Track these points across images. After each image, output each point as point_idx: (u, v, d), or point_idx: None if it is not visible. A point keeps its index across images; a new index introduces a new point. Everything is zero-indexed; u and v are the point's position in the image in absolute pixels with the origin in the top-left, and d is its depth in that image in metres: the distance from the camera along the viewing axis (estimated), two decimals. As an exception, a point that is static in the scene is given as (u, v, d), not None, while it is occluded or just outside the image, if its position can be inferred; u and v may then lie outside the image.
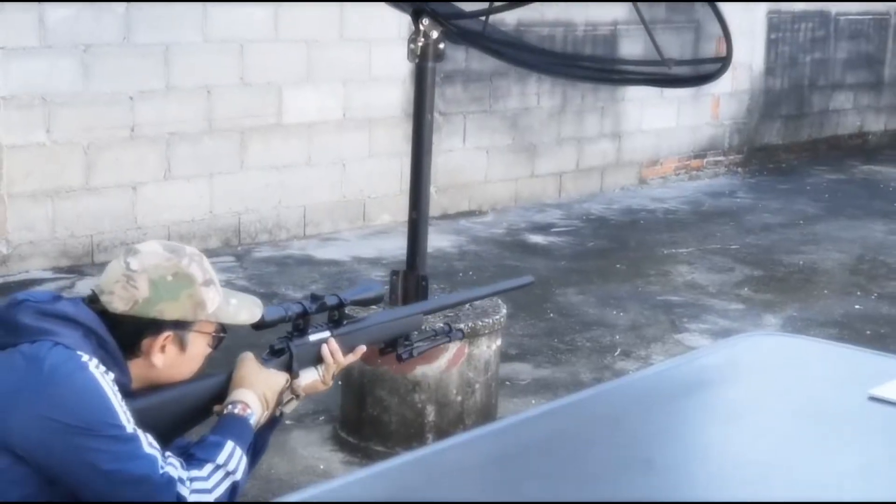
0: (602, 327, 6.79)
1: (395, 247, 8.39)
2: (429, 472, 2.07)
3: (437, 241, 8.65)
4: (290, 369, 2.70)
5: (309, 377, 2.75)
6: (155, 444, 2.39)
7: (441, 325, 3.16)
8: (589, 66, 4.98)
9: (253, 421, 2.58)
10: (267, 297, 7.06)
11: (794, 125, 12.73)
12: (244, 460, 2.50)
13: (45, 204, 7.25)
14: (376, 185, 8.97)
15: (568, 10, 9.81)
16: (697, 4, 11.01)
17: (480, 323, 4.82)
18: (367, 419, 4.90)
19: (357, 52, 8.63)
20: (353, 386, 4.92)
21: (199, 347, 2.58)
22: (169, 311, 2.50)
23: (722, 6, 11.12)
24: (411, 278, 4.94)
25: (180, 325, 2.52)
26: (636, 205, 10.25)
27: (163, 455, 2.39)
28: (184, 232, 7.83)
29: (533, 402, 5.60)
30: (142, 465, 2.34)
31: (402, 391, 4.81)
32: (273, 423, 2.72)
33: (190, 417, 2.63)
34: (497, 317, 4.93)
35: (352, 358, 2.82)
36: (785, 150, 12.65)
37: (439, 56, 4.82)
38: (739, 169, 12.00)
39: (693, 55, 10.96)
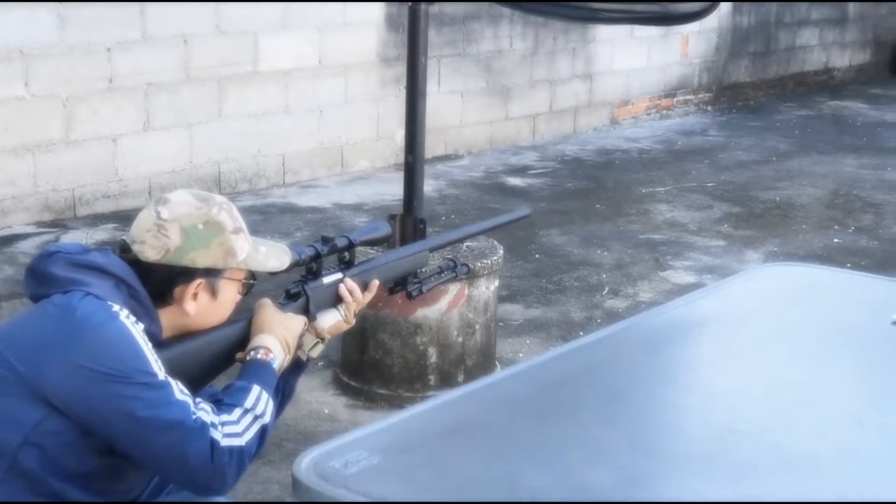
0: (588, 267, 6.85)
1: (375, 192, 8.42)
2: (488, 402, 2.13)
3: (417, 185, 8.68)
4: (308, 312, 2.74)
5: (331, 319, 2.78)
6: (185, 390, 2.43)
7: (447, 261, 3.21)
8: (583, 7, 5.01)
9: (276, 365, 2.62)
10: (253, 246, 7.07)
11: (761, 62, 12.80)
12: (271, 404, 2.54)
13: (27, 158, 7.21)
14: (353, 131, 8.97)
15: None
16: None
17: (479, 264, 4.86)
18: (368, 363, 4.94)
19: (331, -3, 8.62)
20: (355, 330, 4.92)
21: (229, 294, 2.62)
22: (200, 259, 2.54)
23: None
24: (409, 221, 4.97)
25: (212, 273, 2.57)
26: (610, 145, 10.30)
27: (194, 401, 2.42)
28: (165, 183, 7.81)
29: (528, 342, 5.67)
30: (175, 411, 2.37)
31: (405, 334, 4.86)
32: (299, 367, 2.76)
33: (214, 365, 2.67)
34: (495, 258, 4.98)
35: (369, 295, 2.86)
36: (753, 87, 12.73)
37: (432, -3, 4.83)
38: (709, 107, 12.08)
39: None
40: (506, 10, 9.80)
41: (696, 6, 4.91)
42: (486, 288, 4.96)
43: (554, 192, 8.64)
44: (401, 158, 9.25)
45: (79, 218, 7.44)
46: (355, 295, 2.81)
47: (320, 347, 2.80)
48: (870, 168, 9.56)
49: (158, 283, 2.54)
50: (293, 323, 2.68)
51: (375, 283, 2.87)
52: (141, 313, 2.49)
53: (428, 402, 2.14)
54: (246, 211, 7.72)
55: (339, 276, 2.82)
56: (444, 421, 2.06)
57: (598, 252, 7.15)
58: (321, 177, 8.74)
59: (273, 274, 2.70)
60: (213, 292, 2.58)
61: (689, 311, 2.69)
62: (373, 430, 2.03)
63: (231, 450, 2.42)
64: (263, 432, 2.51)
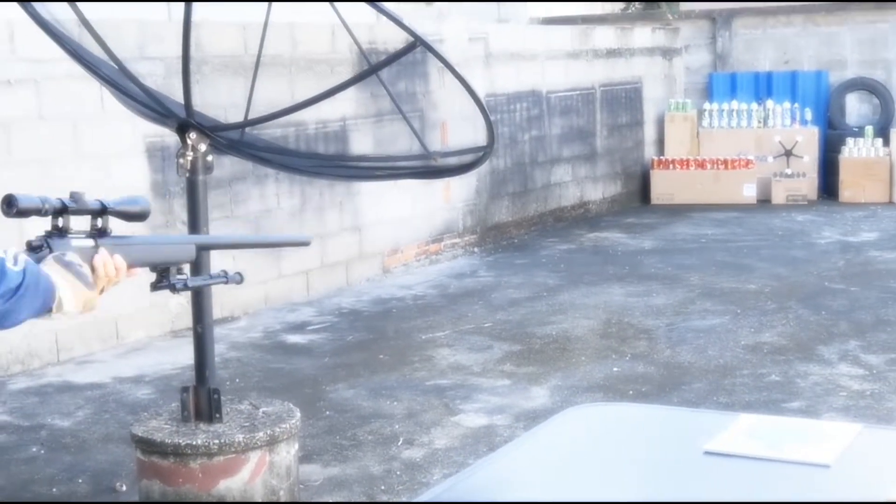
0: (380, 419, 6.85)
1: (154, 362, 8.25)
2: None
3: (197, 351, 8.55)
4: None
5: None
6: None
7: (220, 270, 3.15)
8: (356, 165, 5.10)
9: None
10: (33, 430, 6.82)
11: (520, 201, 13.21)
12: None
13: None
14: (126, 301, 8.77)
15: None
16: (419, 94, 11.36)
17: (278, 429, 4.81)
18: (172, 542, 4.80)
19: (94, 167, 8.49)
20: (154, 509, 4.81)
21: None
22: None
23: (445, 93, 11.45)
24: (202, 392, 4.90)
25: None
26: (385, 294, 10.40)
27: None
28: (-69, 372, 7.50)
29: (328, 499, 5.59)
30: None
31: (207, 508, 4.75)
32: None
33: None
34: (293, 421, 4.94)
35: (118, 275, 2.63)
36: (515, 226, 13.11)
37: (209, 168, 4.84)
38: (476, 248, 12.35)
39: (421, 135, 11.28)
40: (271, 170, 9.86)
41: (463, 160, 5.06)
42: (287, 453, 4.91)
43: (335, 346, 8.63)
44: (176, 325, 9.13)
45: None
46: (108, 268, 2.58)
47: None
48: (636, 295, 9.92)
49: None
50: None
51: (119, 258, 2.61)
52: None
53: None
54: (21, 394, 7.52)
55: (91, 242, 2.61)
56: None
57: (388, 403, 7.16)
58: (96, 350, 8.52)
59: (8, 214, 2.56)
60: None
61: (515, 459, 2.72)
62: None
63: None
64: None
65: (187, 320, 9.22)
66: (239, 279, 3.15)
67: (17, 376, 7.93)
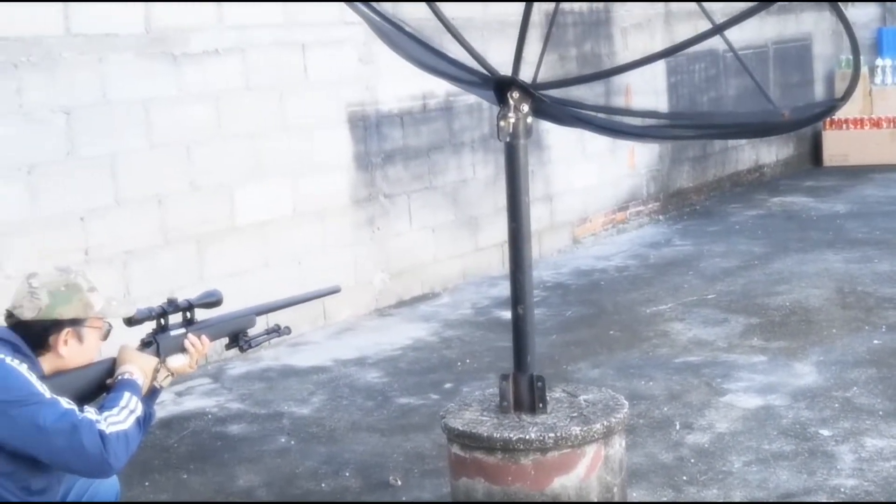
0: (642, 400, 6.34)
1: (370, 343, 7.85)
2: None
3: (411, 330, 8.13)
4: (159, 355, 3.67)
5: (179, 361, 3.73)
6: (71, 402, 3.29)
7: (273, 325, 4.15)
8: (695, 124, 4.60)
9: (139, 382, 3.50)
10: (273, 419, 6.43)
11: (700, 166, 12.64)
12: (140, 404, 3.43)
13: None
14: (332, 279, 8.33)
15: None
16: (604, 56, 10.82)
17: (614, 420, 4.33)
18: (502, 546, 4.33)
19: (298, 139, 8.06)
20: (480, 510, 4.35)
21: (93, 339, 3.51)
22: (66, 312, 3.42)
23: (629, 55, 10.86)
24: (523, 380, 4.43)
25: (76, 322, 3.44)
26: (584, 266, 9.89)
27: (79, 408, 3.30)
28: (151, 357, 7.12)
29: (634, 495, 5.09)
30: (67, 416, 3.24)
31: (541, 509, 4.27)
32: (155, 394, 3.65)
33: (91, 390, 3.52)
34: (624, 410, 4.45)
35: (205, 348, 3.78)
36: (695, 191, 12.54)
37: (529, 132, 4.35)
38: (660, 216, 11.81)
39: (606, 101, 10.76)
40: (467, 140, 9.41)
41: (806, 113, 4.53)
42: (620, 445, 4.43)
43: (557, 321, 8.14)
44: (380, 303, 8.72)
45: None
46: (197, 346, 3.76)
47: (170, 380, 3.72)
48: (856, 262, 9.31)
49: (36, 335, 3.41)
50: (147, 359, 3.62)
51: (205, 338, 3.78)
52: (23, 359, 3.32)
53: None
54: (244, 379, 7.12)
55: (182, 330, 3.77)
56: None
57: (643, 383, 6.65)
58: (306, 331, 8.11)
59: (129, 324, 3.65)
60: (80, 338, 3.46)
61: None
62: None
63: (118, 435, 3.29)
64: (139, 422, 3.39)
65: (390, 298, 8.84)
66: (289, 331, 4.23)
67: (233, 361, 7.54)
